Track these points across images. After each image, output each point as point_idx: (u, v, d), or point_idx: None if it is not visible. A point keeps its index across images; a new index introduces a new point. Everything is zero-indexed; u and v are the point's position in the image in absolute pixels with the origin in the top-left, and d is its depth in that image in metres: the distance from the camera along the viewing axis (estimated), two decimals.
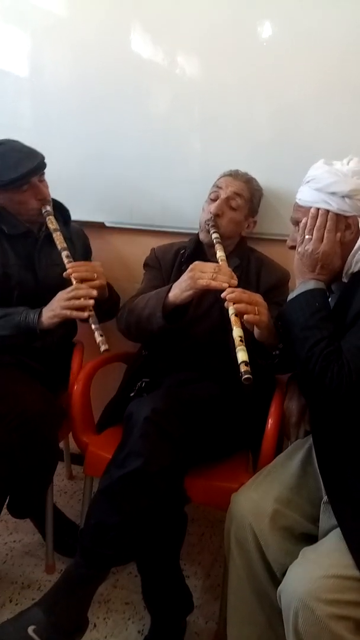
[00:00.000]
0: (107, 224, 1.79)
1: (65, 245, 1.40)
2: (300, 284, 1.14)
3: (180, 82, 1.61)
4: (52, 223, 1.43)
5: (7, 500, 1.33)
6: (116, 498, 1.07)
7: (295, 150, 1.52)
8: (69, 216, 1.61)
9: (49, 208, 1.45)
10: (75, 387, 1.45)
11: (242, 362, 1.05)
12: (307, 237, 1.13)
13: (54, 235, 1.41)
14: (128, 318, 1.41)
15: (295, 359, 1.08)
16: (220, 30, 1.53)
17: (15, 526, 1.69)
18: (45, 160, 1.44)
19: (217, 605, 1.39)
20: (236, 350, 1.08)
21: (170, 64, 1.61)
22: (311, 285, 1.12)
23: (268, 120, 1.55)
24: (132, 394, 1.42)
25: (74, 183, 1.77)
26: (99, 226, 1.79)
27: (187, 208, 1.66)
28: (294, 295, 1.14)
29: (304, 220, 1.14)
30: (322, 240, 1.11)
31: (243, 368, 1.04)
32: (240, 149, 1.59)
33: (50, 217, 1.44)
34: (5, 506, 1.33)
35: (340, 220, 1.11)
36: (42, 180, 1.45)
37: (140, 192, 1.74)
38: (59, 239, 1.41)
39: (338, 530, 0.95)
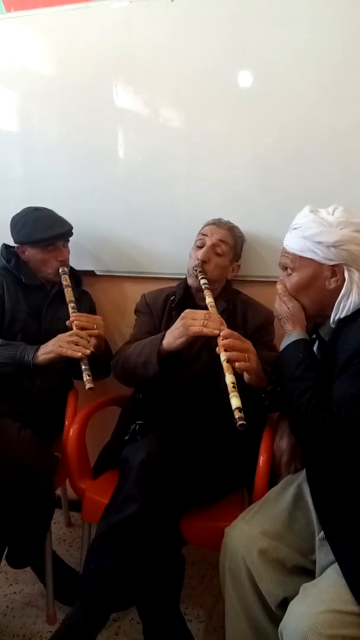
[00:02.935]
0: (97, 272, 1.87)
1: (73, 299, 1.56)
2: (285, 338, 1.22)
3: (163, 134, 1.70)
4: (66, 280, 1.61)
5: (5, 552, 1.34)
6: (113, 544, 1.09)
7: (274, 196, 1.61)
8: (80, 281, 1.80)
9: (66, 269, 1.63)
10: (71, 432, 1.47)
11: (236, 408, 1.07)
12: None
13: (65, 290, 1.58)
14: (124, 365, 1.45)
15: (287, 409, 1.13)
16: (201, 84, 1.62)
17: (15, 577, 1.68)
18: None
19: None
20: (230, 396, 1.10)
21: (153, 117, 1.71)
22: (293, 337, 1.18)
23: (248, 169, 1.63)
24: (126, 437, 1.45)
25: None
26: (90, 274, 1.87)
27: (173, 254, 1.74)
28: (280, 349, 1.21)
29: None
30: (281, 305, 1.23)
31: (237, 414, 1.06)
32: (222, 197, 1.67)
33: (66, 275, 1.62)
34: (4, 557, 1.34)
35: (326, 269, 1.14)
36: (66, 246, 1.67)
37: (128, 241, 1.82)
38: (69, 293, 1.57)
39: (336, 565, 0.97)
